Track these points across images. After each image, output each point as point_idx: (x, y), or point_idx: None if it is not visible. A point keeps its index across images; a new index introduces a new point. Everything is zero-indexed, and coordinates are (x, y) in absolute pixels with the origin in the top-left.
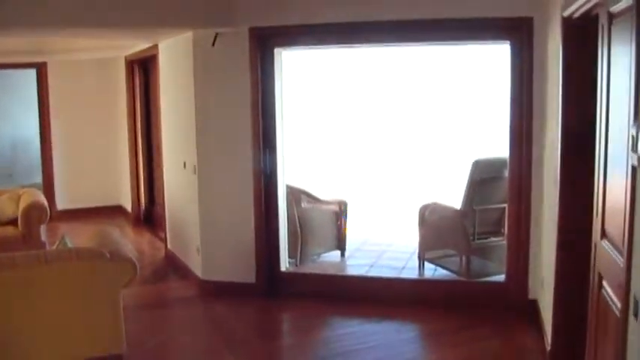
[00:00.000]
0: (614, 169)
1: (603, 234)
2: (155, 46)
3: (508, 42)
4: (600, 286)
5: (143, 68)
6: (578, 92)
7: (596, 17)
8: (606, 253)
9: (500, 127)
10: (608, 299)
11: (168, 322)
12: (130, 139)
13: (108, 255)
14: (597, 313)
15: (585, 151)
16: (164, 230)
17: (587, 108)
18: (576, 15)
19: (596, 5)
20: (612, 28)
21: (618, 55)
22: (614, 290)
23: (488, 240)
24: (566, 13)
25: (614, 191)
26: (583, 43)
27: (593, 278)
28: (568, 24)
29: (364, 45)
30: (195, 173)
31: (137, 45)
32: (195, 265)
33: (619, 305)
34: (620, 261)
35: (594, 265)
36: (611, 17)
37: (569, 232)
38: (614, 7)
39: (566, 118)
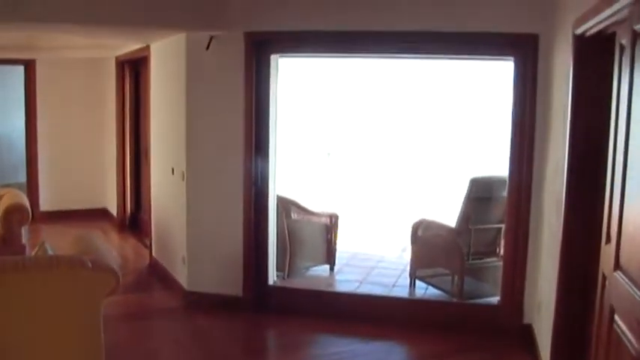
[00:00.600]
0: (634, 197)
1: (617, 265)
2: (147, 47)
3: (512, 58)
4: (612, 319)
5: (134, 69)
6: (588, 113)
7: (612, 35)
8: (621, 286)
9: (499, 145)
10: (622, 335)
11: (149, 335)
12: (117, 141)
13: (89, 264)
14: (607, 347)
15: (594, 174)
16: (149, 237)
17: (598, 130)
18: (590, 33)
19: (614, 23)
20: (636, 47)
21: None
22: (629, 326)
23: (483, 260)
24: (578, 31)
25: (633, 221)
26: (596, 62)
27: (600, 310)
28: (580, 42)
29: (363, 55)
30: (183, 180)
31: (128, 45)
32: (181, 275)
33: (635, 344)
34: (639, 296)
35: (602, 296)
36: (636, 36)
37: (572, 259)
38: None
39: (575, 139)
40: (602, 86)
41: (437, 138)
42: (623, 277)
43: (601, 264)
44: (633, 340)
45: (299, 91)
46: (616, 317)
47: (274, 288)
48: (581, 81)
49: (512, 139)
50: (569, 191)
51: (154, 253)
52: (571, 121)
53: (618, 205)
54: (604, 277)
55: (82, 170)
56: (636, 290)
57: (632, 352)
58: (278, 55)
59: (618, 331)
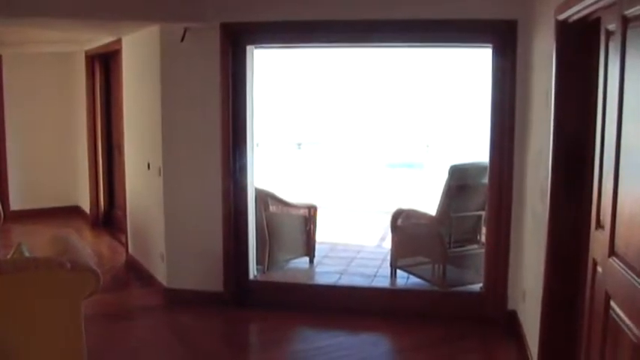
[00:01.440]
0: (630, 183)
1: (612, 251)
2: (118, 41)
3: (490, 45)
4: (607, 306)
5: (104, 63)
6: (572, 99)
7: (596, 21)
8: (617, 272)
9: (479, 132)
10: (620, 322)
11: (130, 334)
12: (89, 137)
13: (68, 265)
14: (604, 334)
15: (579, 161)
16: (125, 234)
17: (582, 116)
18: (573, 18)
19: (599, 9)
20: (628, 33)
21: (637, 63)
22: (629, 313)
23: (464, 248)
24: (561, 17)
25: (629, 207)
26: (579, 47)
27: (592, 296)
28: (563, 28)
29: (340, 45)
30: (160, 175)
31: (99, 39)
32: (160, 272)
33: (636, 331)
34: (639, 284)
35: (593, 282)
36: (626, 21)
37: (560, 245)
38: (631, 10)
39: (559, 126)
40: (586, 71)
41: (416, 126)
42: (620, 264)
43: (591, 250)
44: (634, 327)
45: (271, 82)
46: (612, 304)
47: (255, 282)
48: (564, 67)
49: (492, 126)
50: (555, 178)
51: (130, 251)
52: (555, 107)
53: (611, 190)
54: (595, 263)
55: (52, 167)
56: (636, 277)
57: (633, 338)
58: (254, 46)
59: (615, 317)
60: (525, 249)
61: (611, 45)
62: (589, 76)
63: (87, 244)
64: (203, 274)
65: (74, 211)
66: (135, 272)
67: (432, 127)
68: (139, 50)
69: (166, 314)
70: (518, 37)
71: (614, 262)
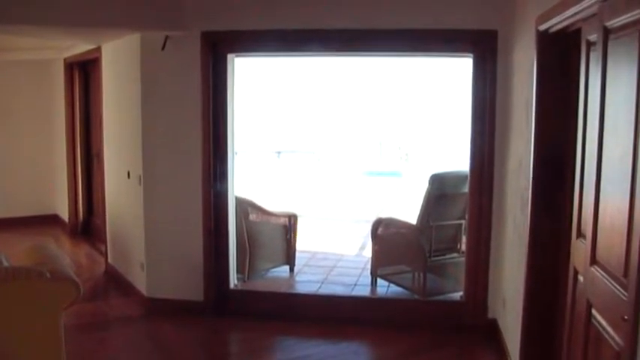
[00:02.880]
0: (611, 194)
1: (593, 260)
2: (98, 49)
3: (471, 55)
4: (589, 315)
5: (84, 71)
6: (553, 109)
7: (577, 32)
8: (599, 281)
9: (459, 140)
10: (602, 331)
11: (109, 344)
12: (67, 144)
13: (48, 275)
14: (585, 343)
15: (559, 171)
16: (104, 243)
17: (563, 125)
18: (554, 29)
19: (580, 20)
20: (609, 43)
21: (618, 74)
22: (611, 322)
23: (444, 257)
24: (542, 27)
25: (610, 217)
26: (560, 58)
27: (573, 305)
28: (544, 38)
29: (321, 54)
30: (140, 184)
31: (78, 46)
32: (139, 281)
33: (617, 339)
34: (621, 292)
35: (574, 291)
36: (607, 32)
37: (540, 254)
38: (612, 21)
39: (540, 136)
40: (567, 81)
41: (395, 134)
42: (602, 273)
43: (572, 259)
44: (616, 336)
45: (251, 90)
46: (594, 312)
47: (236, 291)
48: (545, 77)
49: (472, 135)
50: (536, 188)
51: (109, 260)
52: (536, 117)
53: (593, 201)
54: (576, 272)
55: (30, 175)
56: (616, 285)
57: (615, 347)
58: (234, 55)
59: (597, 326)
60: (506, 257)
61: (592, 56)
62: (569, 86)
63: (66, 254)
64: (183, 283)
65: (52, 220)
66: (114, 282)
67: (411, 136)
68: (119, 58)
69: (146, 324)
70: (499, 47)
71: (595, 270)
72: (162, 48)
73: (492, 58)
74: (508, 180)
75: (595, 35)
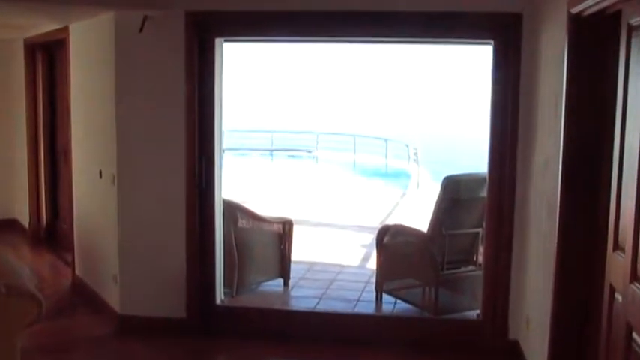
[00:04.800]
0: None
1: (634, 276)
2: (65, 29)
3: (491, 41)
4: (629, 338)
5: (48, 55)
6: (585, 104)
7: (616, 14)
8: None
9: (477, 138)
10: None
11: None
12: (29, 140)
13: (3, 289)
14: None
15: (592, 173)
16: (71, 252)
17: (597, 121)
18: (589, 12)
19: (621, 1)
20: None
21: None
22: None
23: (459, 270)
24: (575, 10)
25: None
26: (595, 45)
27: (608, 326)
28: (577, 23)
29: (324, 40)
30: (114, 184)
31: (41, 26)
32: (112, 296)
33: None
34: None
35: (611, 310)
36: None
37: (570, 268)
38: None
39: (570, 133)
40: (603, 72)
41: (403, 131)
42: None
43: (607, 274)
44: None
45: (240, 80)
46: (634, 336)
47: (223, 307)
48: (577, 67)
49: (492, 133)
50: (565, 191)
51: (77, 271)
52: (566, 112)
53: (633, 207)
54: (612, 290)
55: None
56: None
57: None
58: (223, 39)
59: (639, 351)
60: (529, 271)
61: (635, 42)
62: (606, 77)
63: (25, 264)
64: (163, 298)
65: (10, 226)
66: (83, 297)
67: (421, 133)
68: (89, 41)
69: (119, 345)
70: (523, 33)
71: (636, 288)
72: (140, 30)
73: (516, 46)
74: (533, 183)
75: (638, 18)
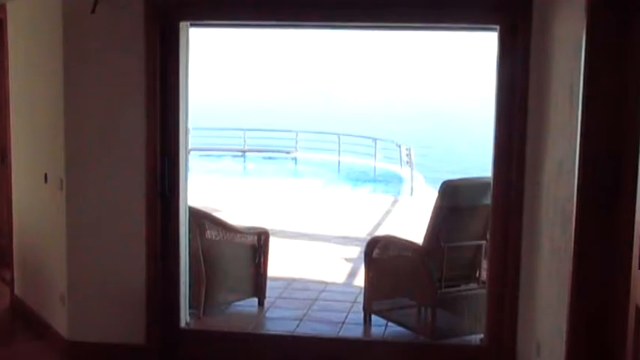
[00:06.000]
0: None
1: None
2: (2, 8)
3: (496, 27)
4: None
5: None
6: (606, 99)
7: None
8: None
9: (479, 138)
10: None
11: None
12: None
13: None
14: None
15: (617, 176)
16: (9, 269)
17: (621, 118)
18: None
19: None
20: None
21: None
22: None
23: (460, 288)
24: None
25: None
26: (618, 29)
27: (635, 354)
28: (597, 3)
29: (298, 25)
30: (61, 190)
31: None
32: (59, 319)
33: None
34: None
35: (637, 336)
36: None
37: (587, 287)
38: None
39: (588, 132)
40: (626, 60)
41: (396, 129)
42: None
43: (632, 294)
44: None
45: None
46: None
47: (188, 331)
48: (597, 54)
49: (496, 131)
50: (582, 199)
51: (17, 291)
52: (584, 107)
53: None
54: (638, 311)
55: None
56: None
57: None
58: (189, 23)
59: None
60: (541, 289)
61: None
62: (630, 64)
63: None
64: (118, 321)
65: None
66: (23, 320)
67: (415, 132)
68: (32, 22)
69: None
70: (533, 16)
71: None
72: (92, 11)
73: (525, 31)
74: (544, 188)
75: None
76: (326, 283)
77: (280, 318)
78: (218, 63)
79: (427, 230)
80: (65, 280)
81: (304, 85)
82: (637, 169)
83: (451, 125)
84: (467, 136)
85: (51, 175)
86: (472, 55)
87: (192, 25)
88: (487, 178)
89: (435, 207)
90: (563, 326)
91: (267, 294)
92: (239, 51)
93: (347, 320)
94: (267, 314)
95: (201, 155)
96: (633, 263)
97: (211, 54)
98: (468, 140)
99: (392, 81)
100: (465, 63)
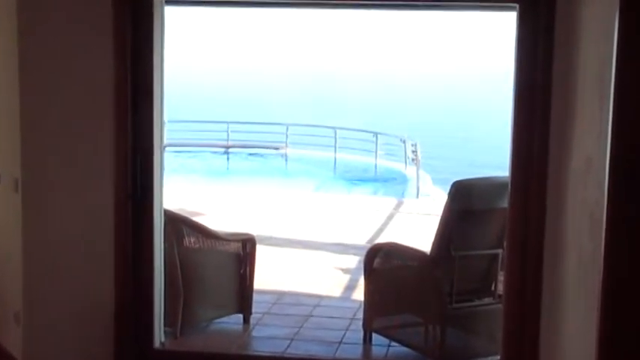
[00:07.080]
0: None
1: None
2: None
3: (516, 5)
4: None
5: None
6: None
7: None
8: None
9: (495, 133)
10: None
11: None
12: None
13: None
14: None
15: None
16: None
17: None
18: None
19: None
20: None
21: None
22: None
23: (473, 303)
24: None
25: None
26: None
27: None
28: None
29: (284, 3)
30: (17, 192)
31: None
32: (13, 341)
33: None
34: None
35: None
36: None
37: (621, 302)
38: None
39: (622, 123)
40: None
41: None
42: None
43: None
44: None
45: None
46: None
47: (163, 353)
48: (632, 37)
49: (515, 125)
50: (613, 202)
51: None
52: (615, 99)
53: None
54: None
55: None
56: None
57: None
58: (164, 1)
59: None
60: (566, 305)
61: None
62: None
63: None
64: (83, 342)
65: None
66: None
67: (422, 126)
68: None
69: None
70: None
71: None
72: None
73: (548, 11)
74: (570, 190)
75: None
76: (320, 297)
77: (268, 337)
78: (195, 46)
79: (435, 237)
80: (20, 296)
81: (293, 66)
82: None
83: (462, 116)
84: (481, 130)
85: (5, 175)
86: (487, 39)
87: (167, 2)
88: (504, 177)
89: (444, 210)
90: (593, 348)
91: (254, 309)
92: (218, 32)
93: (344, 339)
94: (254, 333)
95: (178, 152)
96: None
97: (189, 35)
98: (483, 134)
99: (393, 66)
100: (477, 46)
